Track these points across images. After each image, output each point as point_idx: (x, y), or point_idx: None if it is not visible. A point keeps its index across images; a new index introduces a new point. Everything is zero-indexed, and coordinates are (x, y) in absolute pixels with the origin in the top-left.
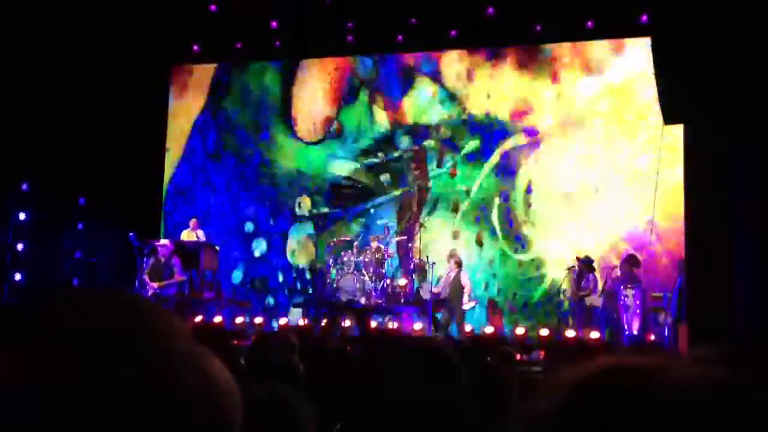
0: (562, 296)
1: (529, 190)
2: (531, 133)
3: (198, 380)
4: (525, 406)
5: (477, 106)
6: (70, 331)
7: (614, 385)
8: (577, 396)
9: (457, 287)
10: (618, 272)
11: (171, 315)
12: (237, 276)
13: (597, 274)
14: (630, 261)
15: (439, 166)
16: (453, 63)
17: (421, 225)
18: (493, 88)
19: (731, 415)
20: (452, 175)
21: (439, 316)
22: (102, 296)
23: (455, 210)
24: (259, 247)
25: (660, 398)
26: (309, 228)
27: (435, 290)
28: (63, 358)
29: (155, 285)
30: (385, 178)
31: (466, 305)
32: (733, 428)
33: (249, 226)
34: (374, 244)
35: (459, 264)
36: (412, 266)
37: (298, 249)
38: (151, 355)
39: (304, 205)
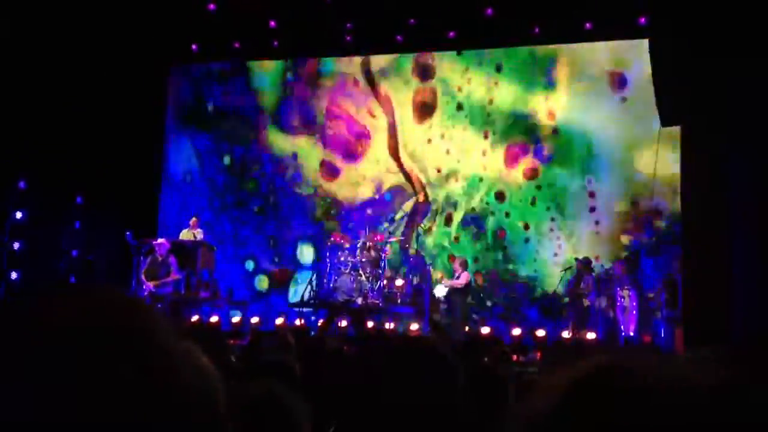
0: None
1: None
2: (528, 139)
3: (195, 379)
4: (521, 406)
5: (472, 114)
6: (69, 331)
7: (610, 386)
8: (573, 396)
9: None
10: (614, 273)
11: (161, 313)
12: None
13: (595, 275)
14: (625, 262)
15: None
16: (450, 73)
17: (424, 230)
18: (491, 95)
19: (726, 415)
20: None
21: (436, 316)
22: (99, 295)
23: (449, 221)
24: (261, 285)
25: (655, 398)
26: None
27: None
28: (62, 357)
29: (151, 284)
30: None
31: (438, 288)
32: (728, 428)
33: (249, 264)
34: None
35: (462, 265)
36: (409, 264)
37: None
38: (151, 354)
39: (307, 253)
